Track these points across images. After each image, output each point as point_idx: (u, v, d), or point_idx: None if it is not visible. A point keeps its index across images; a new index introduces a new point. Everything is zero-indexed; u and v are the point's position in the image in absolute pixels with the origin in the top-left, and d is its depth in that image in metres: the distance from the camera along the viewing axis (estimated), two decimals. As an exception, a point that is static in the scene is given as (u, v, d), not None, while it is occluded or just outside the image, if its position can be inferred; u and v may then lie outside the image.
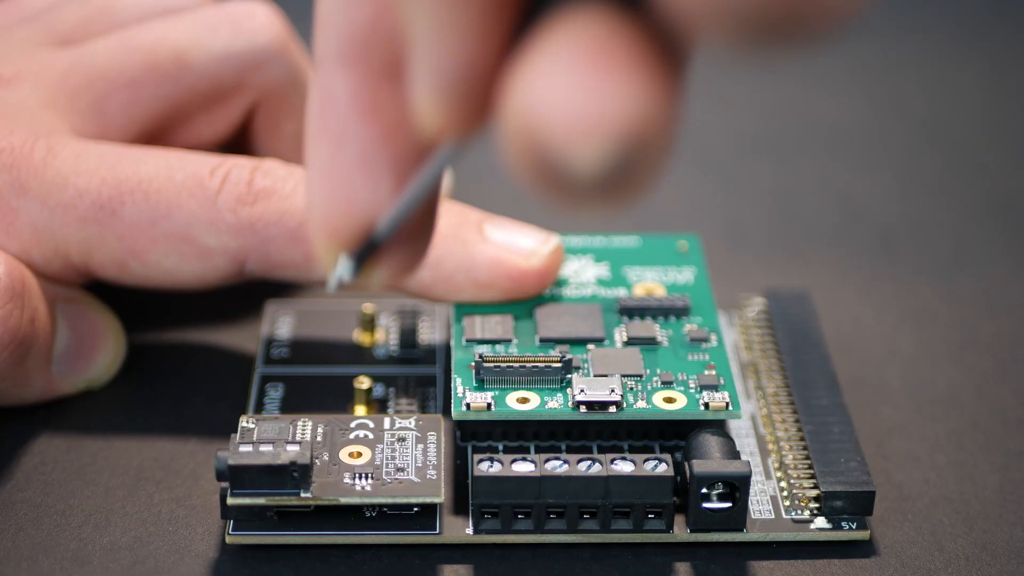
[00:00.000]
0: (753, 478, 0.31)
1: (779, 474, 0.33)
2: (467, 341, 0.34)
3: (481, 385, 0.32)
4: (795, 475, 0.32)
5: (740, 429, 0.34)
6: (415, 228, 0.25)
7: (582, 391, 0.32)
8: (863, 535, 0.31)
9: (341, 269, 0.25)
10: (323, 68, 0.25)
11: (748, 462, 0.31)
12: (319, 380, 0.36)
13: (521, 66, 0.20)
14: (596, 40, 0.19)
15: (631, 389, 0.32)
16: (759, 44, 0.18)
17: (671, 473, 0.30)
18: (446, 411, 0.33)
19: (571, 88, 0.19)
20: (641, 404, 0.32)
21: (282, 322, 0.37)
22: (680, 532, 0.31)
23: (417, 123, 0.22)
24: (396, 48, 0.23)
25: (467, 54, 0.21)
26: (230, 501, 0.30)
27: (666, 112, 0.19)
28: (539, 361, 0.32)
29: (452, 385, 0.32)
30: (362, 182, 0.25)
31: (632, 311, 0.35)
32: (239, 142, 0.39)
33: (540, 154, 0.19)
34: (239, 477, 0.30)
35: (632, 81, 0.19)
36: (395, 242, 0.25)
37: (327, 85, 0.25)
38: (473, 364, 0.32)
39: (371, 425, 0.32)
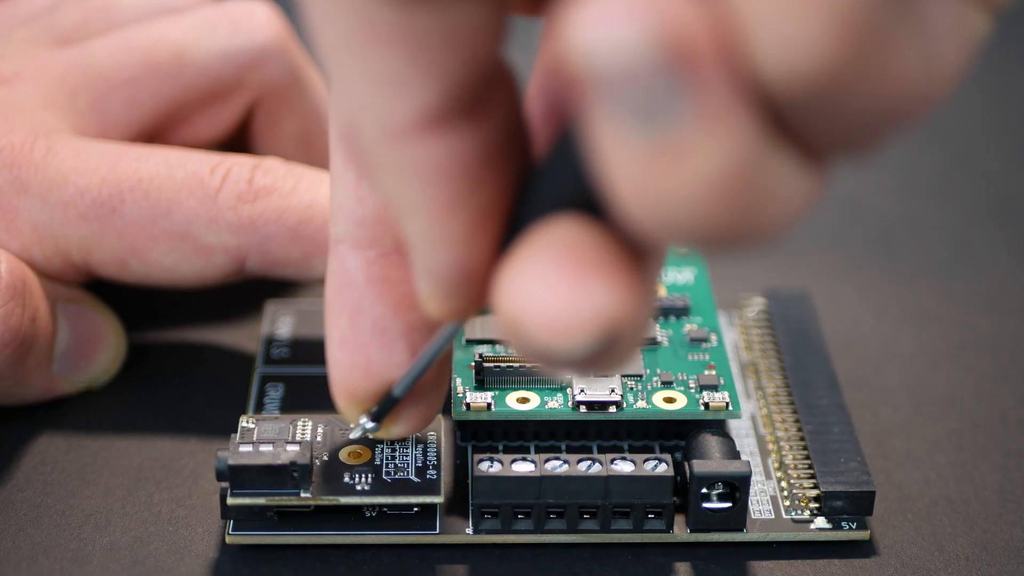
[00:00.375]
0: (753, 478, 0.31)
1: (779, 474, 0.33)
2: (467, 341, 0.34)
3: (481, 385, 0.32)
4: (795, 475, 0.32)
5: (740, 429, 0.34)
6: (428, 386, 0.29)
7: (582, 391, 0.32)
8: (863, 535, 0.31)
9: (363, 423, 0.29)
10: (338, 248, 0.27)
11: (748, 462, 0.31)
12: (319, 380, 0.35)
13: (505, 270, 0.21)
14: (571, 247, 0.21)
15: (631, 389, 0.32)
16: (714, 250, 0.20)
17: (671, 473, 0.30)
18: (446, 411, 0.33)
19: (549, 291, 0.21)
20: (641, 404, 0.32)
21: (282, 322, 0.37)
22: (680, 532, 0.31)
23: (422, 307, 0.24)
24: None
25: (458, 260, 0.23)
26: (230, 501, 0.30)
27: (637, 306, 0.21)
28: (539, 361, 0.32)
29: (452, 385, 0.32)
30: (378, 350, 0.27)
31: (632, 311, 0.35)
32: (239, 141, 0.39)
33: (527, 344, 0.21)
34: (239, 477, 0.30)
35: (603, 283, 0.21)
36: (410, 400, 0.28)
37: (342, 263, 0.27)
38: (473, 364, 0.32)
39: (371, 425, 0.32)
